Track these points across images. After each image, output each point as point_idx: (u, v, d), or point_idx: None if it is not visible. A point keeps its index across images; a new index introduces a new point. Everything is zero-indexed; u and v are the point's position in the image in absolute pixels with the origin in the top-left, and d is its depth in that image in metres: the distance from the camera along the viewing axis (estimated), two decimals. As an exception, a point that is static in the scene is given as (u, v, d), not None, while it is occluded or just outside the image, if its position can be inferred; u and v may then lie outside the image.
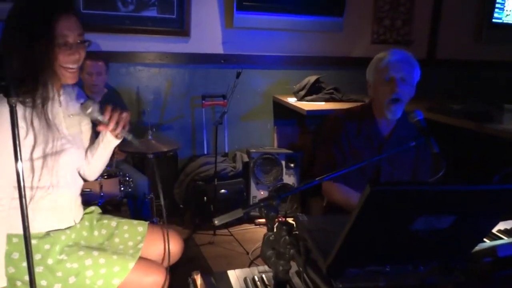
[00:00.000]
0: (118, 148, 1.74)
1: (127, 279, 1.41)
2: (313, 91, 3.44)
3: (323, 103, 3.38)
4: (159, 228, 1.67)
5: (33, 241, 1.35)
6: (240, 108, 3.65)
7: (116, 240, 1.60)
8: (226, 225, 3.14)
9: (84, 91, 1.93)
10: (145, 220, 1.70)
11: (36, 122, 1.34)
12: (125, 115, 1.46)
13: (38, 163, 1.36)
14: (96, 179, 1.73)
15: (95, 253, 1.45)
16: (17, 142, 1.07)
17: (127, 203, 2.64)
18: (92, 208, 1.67)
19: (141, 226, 1.63)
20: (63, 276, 1.39)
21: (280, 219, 1.07)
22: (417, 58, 1.86)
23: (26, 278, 1.15)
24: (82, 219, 1.59)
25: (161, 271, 1.48)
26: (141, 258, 1.50)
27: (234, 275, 1.14)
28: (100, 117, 1.43)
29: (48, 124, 1.37)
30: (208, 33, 3.45)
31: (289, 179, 3.42)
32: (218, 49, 3.51)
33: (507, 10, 4.24)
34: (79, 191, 1.59)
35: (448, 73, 4.19)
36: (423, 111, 1.58)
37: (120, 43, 3.25)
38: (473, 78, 4.21)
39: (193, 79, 3.51)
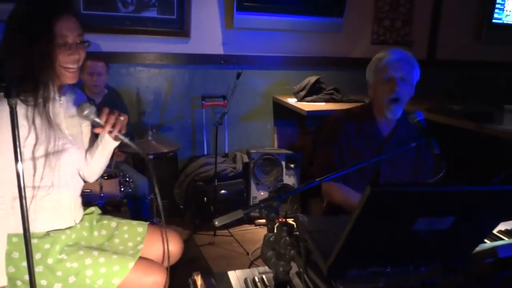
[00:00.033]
0: (118, 149, 1.74)
1: (127, 279, 1.41)
2: (313, 92, 3.44)
3: (323, 103, 3.39)
4: (159, 228, 1.67)
5: (33, 241, 1.35)
6: (240, 109, 3.65)
7: (116, 240, 1.60)
8: (226, 226, 3.14)
9: (84, 93, 1.93)
10: (145, 220, 1.70)
11: (38, 121, 1.36)
12: (121, 118, 1.46)
13: (40, 162, 1.37)
14: (96, 180, 1.73)
15: (95, 252, 1.45)
16: (18, 143, 1.08)
17: (127, 204, 2.64)
18: (92, 208, 1.68)
19: (140, 227, 1.64)
20: (63, 276, 1.39)
21: (280, 219, 1.06)
22: (417, 59, 1.86)
23: (26, 277, 1.15)
24: (82, 219, 1.59)
25: (161, 271, 1.48)
26: (141, 258, 1.50)
27: (234, 275, 1.14)
28: (97, 119, 1.43)
29: (50, 123, 1.38)
30: (208, 33, 3.45)
31: (289, 179, 3.42)
32: (218, 49, 3.51)
33: (507, 11, 4.24)
34: (79, 192, 1.59)
35: (448, 73, 4.19)
36: (423, 112, 1.58)
37: (120, 43, 3.25)
38: (473, 78, 4.21)
39: (193, 80, 3.52)
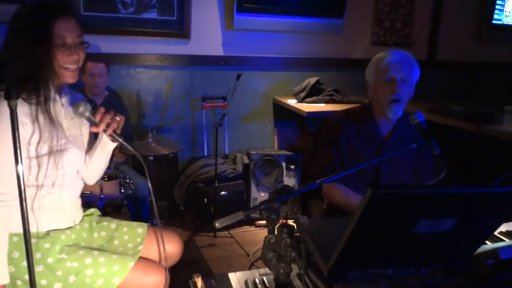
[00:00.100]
0: (118, 150, 1.75)
1: (127, 279, 1.41)
2: (313, 93, 3.44)
3: (324, 104, 3.38)
4: (159, 229, 1.67)
5: (33, 240, 1.36)
6: (240, 110, 3.65)
7: (116, 242, 1.60)
8: (227, 227, 3.13)
9: (85, 94, 1.94)
10: (145, 222, 1.71)
11: (41, 118, 1.38)
12: (117, 118, 1.47)
13: (45, 159, 1.39)
14: (97, 181, 1.74)
15: (95, 252, 1.46)
16: (18, 145, 1.08)
17: (127, 205, 2.64)
18: (92, 210, 1.68)
19: (140, 228, 1.64)
20: (63, 275, 1.39)
21: (281, 221, 1.06)
22: (417, 60, 1.86)
23: (26, 277, 1.16)
24: (81, 221, 1.60)
25: (161, 271, 1.49)
26: (141, 258, 1.51)
27: (235, 277, 1.14)
28: (91, 117, 1.44)
29: (52, 121, 1.40)
30: (208, 35, 3.45)
31: (289, 180, 3.42)
32: (218, 51, 3.51)
33: (506, 12, 4.24)
34: (79, 193, 1.60)
35: (448, 74, 4.19)
36: (423, 113, 1.58)
37: (120, 45, 3.26)
38: (473, 79, 4.21)
39: (193, 81, 3.52)
